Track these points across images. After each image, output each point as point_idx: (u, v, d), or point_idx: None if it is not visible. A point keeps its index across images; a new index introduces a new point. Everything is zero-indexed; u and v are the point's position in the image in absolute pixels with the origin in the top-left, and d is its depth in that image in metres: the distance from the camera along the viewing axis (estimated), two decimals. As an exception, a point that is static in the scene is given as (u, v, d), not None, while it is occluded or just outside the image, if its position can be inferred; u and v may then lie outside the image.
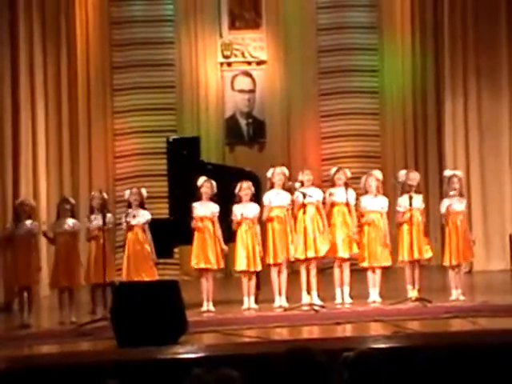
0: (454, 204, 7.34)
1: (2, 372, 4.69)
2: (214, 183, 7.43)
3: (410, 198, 7.29)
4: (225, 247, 7.35)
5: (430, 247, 7.42)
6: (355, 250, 7.39)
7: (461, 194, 7.45)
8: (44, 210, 9.01)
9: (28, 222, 7.09)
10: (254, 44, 10.52)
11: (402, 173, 7.60)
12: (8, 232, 7.19)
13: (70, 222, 7.23)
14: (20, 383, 4.45)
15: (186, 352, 5.02)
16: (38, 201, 8.98)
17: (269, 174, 7.47)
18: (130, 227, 7.29)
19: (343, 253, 7.37)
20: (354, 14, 10.56)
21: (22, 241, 7.05)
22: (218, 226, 7.31)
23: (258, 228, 7.31)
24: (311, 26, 10.44)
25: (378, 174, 7.58)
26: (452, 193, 7.35)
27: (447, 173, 7.69)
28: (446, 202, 7.36)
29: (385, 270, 7.51)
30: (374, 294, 7.37)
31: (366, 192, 7.48)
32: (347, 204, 7.38)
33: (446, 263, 7.33)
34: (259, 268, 7.35)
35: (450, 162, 9.63)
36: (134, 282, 7.14)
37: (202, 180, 7.43)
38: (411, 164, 10.23)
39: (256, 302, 7.40)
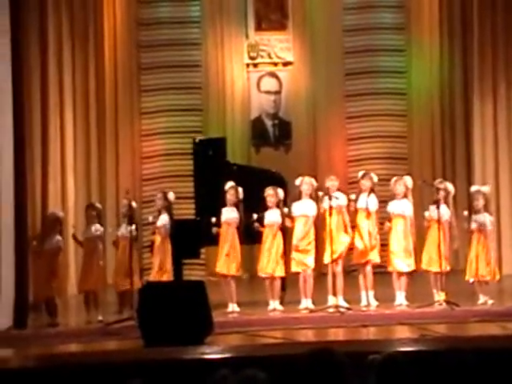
0: (472, 221, 7.24)
1: (30, 369, 4.75)
2: (239, 190, 7.45)
3: (437, 207, 7.24)
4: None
5: (447, 261, 7.28)
6: (372, 256, 7.35)
7: (487, 211, 7.28)
8: (72, 209, 9.13)
9: (54, 237, 7.17)
10: (280, 45, 10.51)
11: (438, 180, 7.59)
12: (36, 245, 7.27)
13: (95, 227, 7.35)
14: (47, 381, 4.49)
15: (212, 352, 5.02)
16: (66, 200, 9.10)
17: (297, 182, 7.49)
18: (154, 230, 7.64)
19: (363, 258, 7.38)
20: (380, 15, 10.48)
21: (47, 256, 7.15)
22: (235, 232, 7.36)
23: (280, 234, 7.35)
24: (337, 26, 10.38)
25: (408, 179, 7.51)
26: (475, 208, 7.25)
27: (472, 188, 7.56)
28: (471, 218, 7.25)
29: (411, 273, 7.46)
30: (401, 297, 7.32)
31: (395, 196, 7.46)
32: (367, 209, 7.37)
33: (467, 277, 7.26)
34: (282, 274, 7.32)
35: (479, 167, 9.52)
36: (161, 283, 7.19)
37: (228, 186, 7.48)
38: (438, 166, 10.12)
39: (282, 303, 7.39)
